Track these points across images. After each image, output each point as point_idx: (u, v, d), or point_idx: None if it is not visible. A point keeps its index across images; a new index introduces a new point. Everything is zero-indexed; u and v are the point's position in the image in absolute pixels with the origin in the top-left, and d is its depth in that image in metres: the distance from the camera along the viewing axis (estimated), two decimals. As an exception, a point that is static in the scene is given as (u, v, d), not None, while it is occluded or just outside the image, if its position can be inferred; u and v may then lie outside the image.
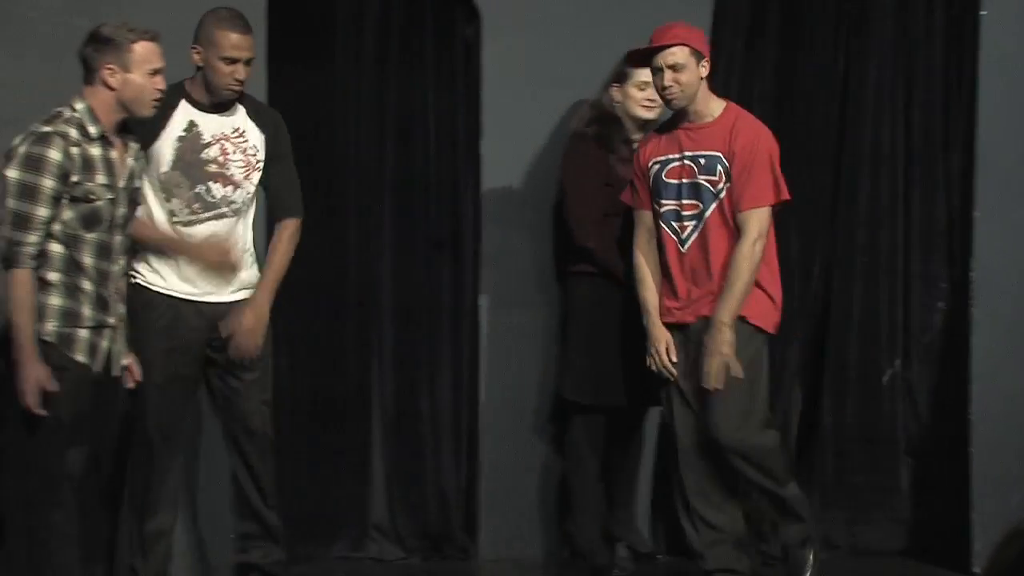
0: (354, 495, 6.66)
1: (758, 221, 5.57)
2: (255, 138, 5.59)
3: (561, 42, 6.61)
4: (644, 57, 5.73)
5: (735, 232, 5.60)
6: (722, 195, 5.61)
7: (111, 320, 4.89)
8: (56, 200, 4.74)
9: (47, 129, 4.78)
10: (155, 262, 5.47)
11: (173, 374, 5.49)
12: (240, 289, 5.61)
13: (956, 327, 6.73)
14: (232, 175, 5.54)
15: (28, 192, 4.71)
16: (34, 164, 4.72)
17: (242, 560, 5.78)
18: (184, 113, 5.50)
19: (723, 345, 5.51)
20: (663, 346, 5.69)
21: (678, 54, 5.61)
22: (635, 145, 6.10)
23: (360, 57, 6.65)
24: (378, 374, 6.69)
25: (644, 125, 6.17)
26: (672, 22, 5.73)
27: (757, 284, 5.59)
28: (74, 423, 4.79)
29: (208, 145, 5.51)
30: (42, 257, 4.77)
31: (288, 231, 5.67)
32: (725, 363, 5.51)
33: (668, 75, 5.62)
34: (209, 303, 5.54)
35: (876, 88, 6.83)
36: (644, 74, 5.99)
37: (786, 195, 5.65)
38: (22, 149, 4.75)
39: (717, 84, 6.63)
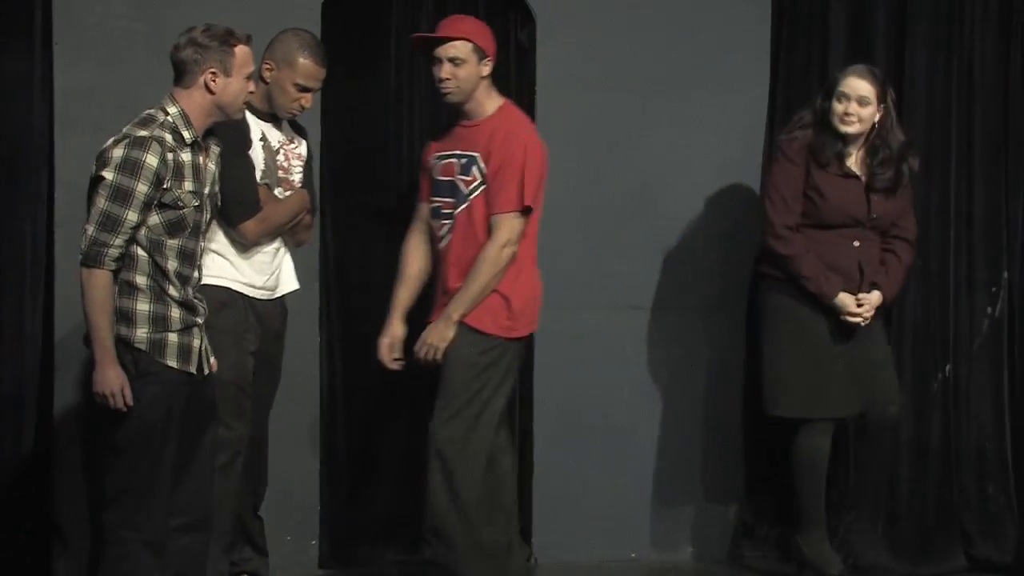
0: (409, 498, 6.64)
1: (507, 227, 5.50)
2: (302, 146, 5.75)
3: (615, 44, 6.60)
4: (426, 44, 5.66)
5: (486, 236, 5.55)
6: (472, 196, 5.58)
7: (199, 320, 4.91)
8: (147, 206, 4.75)
9: (144, 133, 4.76)
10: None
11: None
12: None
13: (1015, 330, 6.70)
14: (294, 180, 5.70)
15: (122, 195, 4.72)
16: (131, 168, 4.72)
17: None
18: (252, 121, 5.58)
19: (433, 336, 5.52)
20: (384, 343, 5.70)
21: (460, 48, 5.55)
22: (846, 160, 6.09)
23: (414, 60, 6.64)
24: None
25: (844, 138, 6.09)
26: (462, 16, 5.73)
27: (496, 291, 5.54)
28: (168, 427, 4.80)
29: (277, 151, 5.65)
30: (127, 260, 4.78)
31: None
32: (433, 352, 5.51)
33: (446, 67, 5.57)
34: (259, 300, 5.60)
35: (930, 89, 6.80)
36: (845, 85, 6.00)
37: (528, 202, 5.53)
38: (119, 152, 4.74)
39: (777, 87, 6.65)
